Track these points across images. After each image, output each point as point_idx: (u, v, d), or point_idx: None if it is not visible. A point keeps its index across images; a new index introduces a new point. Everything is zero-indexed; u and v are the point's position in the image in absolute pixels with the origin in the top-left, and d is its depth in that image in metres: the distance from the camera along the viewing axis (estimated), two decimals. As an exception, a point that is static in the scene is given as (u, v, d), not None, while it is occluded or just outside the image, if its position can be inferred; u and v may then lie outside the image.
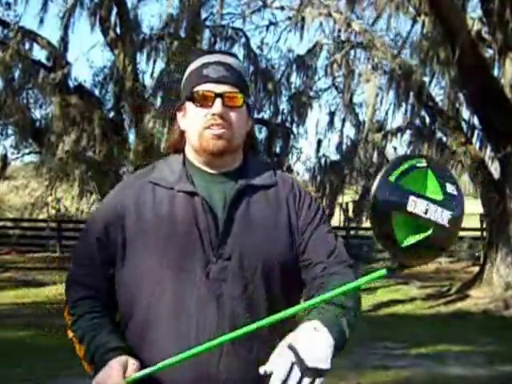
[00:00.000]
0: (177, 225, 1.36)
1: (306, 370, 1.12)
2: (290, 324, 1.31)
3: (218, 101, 1.38)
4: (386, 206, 1.05)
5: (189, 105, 1.42)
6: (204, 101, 1.39)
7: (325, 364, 1.15)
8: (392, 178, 1.05)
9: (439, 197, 1.05)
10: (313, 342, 1.17)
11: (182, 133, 1.47)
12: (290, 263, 1.41)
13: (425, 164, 1.07)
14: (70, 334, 1.39)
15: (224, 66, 1.41)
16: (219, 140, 1.38)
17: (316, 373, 1.13)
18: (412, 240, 1.04)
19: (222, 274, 1.34)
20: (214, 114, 1.37)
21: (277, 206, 1.43)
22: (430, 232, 1.04)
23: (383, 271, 1.12)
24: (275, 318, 1.21)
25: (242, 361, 1.33)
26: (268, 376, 1.14)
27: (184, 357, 1.22)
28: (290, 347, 1.14)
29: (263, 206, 1.42)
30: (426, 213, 1.03)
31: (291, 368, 1.12)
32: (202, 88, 1.39)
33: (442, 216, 1.04)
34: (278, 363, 1.13)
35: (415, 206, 1.03)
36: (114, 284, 1.40)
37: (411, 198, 1.04)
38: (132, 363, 1.26)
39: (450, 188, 1.07)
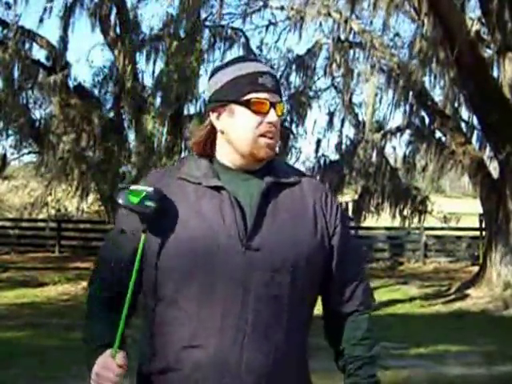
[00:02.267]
0: (204, 218, 1.42)
1: None
2: (309, 314, 1.49)
3: (273, 110, 1.46)
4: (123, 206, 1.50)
5: (239, 109, 1.46)
6: (261, 108, 1.44)
7: None
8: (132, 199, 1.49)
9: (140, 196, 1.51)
10: None
11: (210, 132, 1.51)
12: (315, 258, 1.46)
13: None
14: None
15: (273, 77, 1.50)
16: (271, 150, 1.47)
17: None
18: (136, 200, 1.47)
19: (250, 265, 1.39)
20: (270, 123, 1.45)
21: (303, 202, 1.49)
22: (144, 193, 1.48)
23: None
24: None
25: (262, 351, 1.38)
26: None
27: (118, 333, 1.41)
28: None
29: (290, 203, 1.48)
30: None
31: None
32: (259, 96, 1.45)
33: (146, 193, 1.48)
34: None
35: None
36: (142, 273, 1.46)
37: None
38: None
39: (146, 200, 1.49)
